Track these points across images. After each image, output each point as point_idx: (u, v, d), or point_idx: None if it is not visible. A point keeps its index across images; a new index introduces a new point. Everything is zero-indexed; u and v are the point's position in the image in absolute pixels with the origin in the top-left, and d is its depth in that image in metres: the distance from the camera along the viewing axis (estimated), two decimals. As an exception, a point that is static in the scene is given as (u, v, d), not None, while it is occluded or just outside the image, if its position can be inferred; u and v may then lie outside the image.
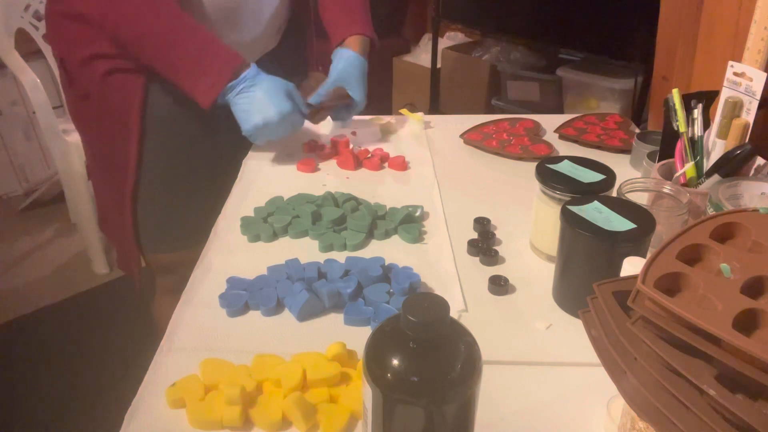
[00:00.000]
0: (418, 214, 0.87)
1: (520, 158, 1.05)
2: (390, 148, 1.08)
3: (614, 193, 0.75)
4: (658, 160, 0.85)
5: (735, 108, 0.76)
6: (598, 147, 1.09)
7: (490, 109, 2.30)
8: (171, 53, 0.90)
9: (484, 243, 0.80)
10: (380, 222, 0.85)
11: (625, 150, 1.07)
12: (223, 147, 1.07)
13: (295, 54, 1.21)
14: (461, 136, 1.13)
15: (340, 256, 0.78)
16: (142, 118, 0.98)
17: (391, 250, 0.80)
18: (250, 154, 1.08)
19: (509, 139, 1.10)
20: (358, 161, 1.03)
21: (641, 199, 0.75)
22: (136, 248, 1.08)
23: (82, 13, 0.92)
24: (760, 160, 0.79)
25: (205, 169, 1.08)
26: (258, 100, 0.93)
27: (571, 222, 0.65)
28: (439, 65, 2.39)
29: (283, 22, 1.12)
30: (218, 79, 0.91)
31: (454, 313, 0.68)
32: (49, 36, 1.02)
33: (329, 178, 1.00)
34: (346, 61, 1.06)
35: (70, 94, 1.04)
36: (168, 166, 1.04)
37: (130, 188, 1.02)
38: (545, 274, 0.74)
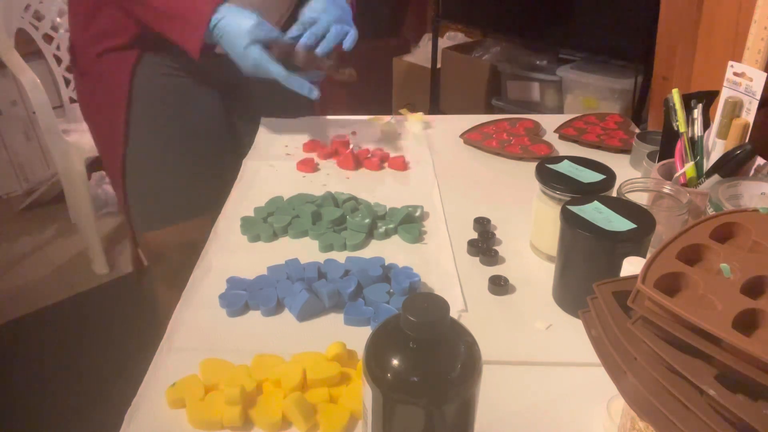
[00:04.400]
0: (418, 214, 0.87)
1: (520, 158, 1.05)
2: (390, 148, 1.08)
3: (614, 193, 0.75)
4: (658, 160, 0.85)
5: (735, 108, 0.76)
6: (598, 147, 1.09)
7: (490, 109, 2.30)
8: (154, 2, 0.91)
9: (484, 243, 0.80)
10: (380, 222, 0.85)
11: (625, 150, 1.07)
12: (211, 119, 1.08)
13: None
14: (461, 136, 1.13)
15: (340, 256, 0.78)
16: (130, 91, 1.00)
17: (391, 250, 0.80)
18: (251, 154, 1.08)
19: (509, 139, 1.10)
20: (358, 161, 1.03)
21: (641, 199, 0.75)
22: (130, 227, 1.10)
23: None
24: (760, 160, 0.78)
25: (192, 141, 1.08)
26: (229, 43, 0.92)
27: (571, 222, 0.65)
28: (439, 65, 2.39)
29: (287, 10, 1.10)
30: (198, 23, 0.90)
31: (454, 313, 0.68)
32: (70, 19, 1.06)
33: (329, 178, 1.00)
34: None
35: (75, 74, 1.08)
36: (154, 138, 1.06)
37: (120, 162, 1.04)
38: (545, 274, 0.74)
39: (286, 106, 1.18)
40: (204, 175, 0.93)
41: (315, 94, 0.95)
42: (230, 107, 1.01)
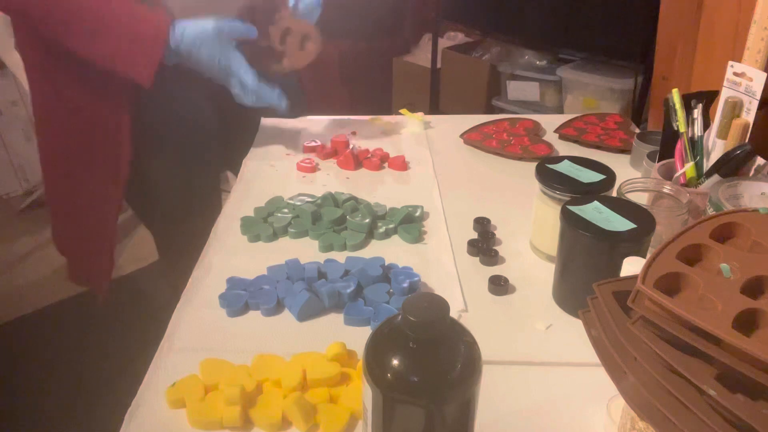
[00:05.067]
0: (418, 214, 0.87)
1: (520, 158, 1.05)
2: (390, 148, 1.08)
3: (614, 193, 0.75)
4: (658, 160, 0.85)
5: (735, 108, 0.76)
6: (598, 147, 1.09)
7: (490, 109, 2.30)
8: (99, 35, 0.86)
9: (484, 243, 0.80)
10: (380, 222, 0.85)
11: (625, 150, 1.07)
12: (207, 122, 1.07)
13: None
14: (461, 136, 1.13)
15: (340, 256, 0.78)
16: (132, 122, 0.97)
17: (391, 250, 0.80)
18: (251, 154, 1.08)
19: (509, 139, 1.10)
20: (358, 161, 1.03)
21: (641, 199, 0.75)
22: (110, 256, 1.07)
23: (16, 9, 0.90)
24: (760, 160, 0.78)
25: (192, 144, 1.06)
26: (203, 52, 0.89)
27: (571, 222, 0.65)
28: (439, 65, 2.39)
29: None
30: (155, 45, 0.86)
31: (454, 313, 0.68)
32: (28, 54, 1.02)
33: (329, 178, 1.00)
34: None
35: (57, 108, 1.01)
36: (161, 160, 1.04)
37: (121, 191, 1.00)
38: (545, 274, 0.74)
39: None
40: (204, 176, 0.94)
41: (284, 103, 0.95)
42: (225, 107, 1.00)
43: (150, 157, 1.02)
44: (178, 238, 1.10)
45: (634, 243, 0.63)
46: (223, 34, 0.89)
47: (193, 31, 0.88)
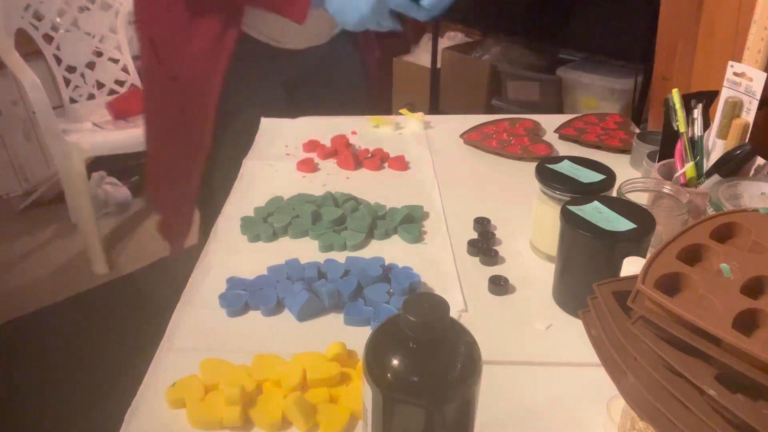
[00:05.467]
0: (418, 214, 0.87)
1: (520, 158, 1.05)
2: (390, 148, 1.08)
3: (614, 193, 0.75)
4: (658, 160, 0.85)
5: (735, 108, 0.76)
6: (598, 147, 1.09)
7: (490, 109, 2.30)
8: None
9: (484, 243, 0.80)
10: (380, 222, 0.85)
11: (625, 150, 1.07)
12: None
13: None
14: (461, 136, 1.13)
15: (340, 256, 0.78)
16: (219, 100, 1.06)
17: (391, 250, 0.80)
18: (251, 154, 1.08)
19: (509, 139, 1.10)
20: (358, 161, 1.03)
21: (641, 199, 0.75)
22: (189, 219, 1.20)
23: None
24: (760, 160, 0.78)
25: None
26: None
27: (571, 222, 0.65)
28: (439, 65, 2.39)
29: None
30: None
31: (454, 313, 0.68)
32: (141, 18, 1.09)
33: (329, 178, 1.00)
34: None
35: (157, 75, 1.11)
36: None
37: (203, 158, 1.11)
38: (545, 274, 0.74)
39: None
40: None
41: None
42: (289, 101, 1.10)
43: (222, 137, 1.12)
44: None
45: (634, 243, 0.63)
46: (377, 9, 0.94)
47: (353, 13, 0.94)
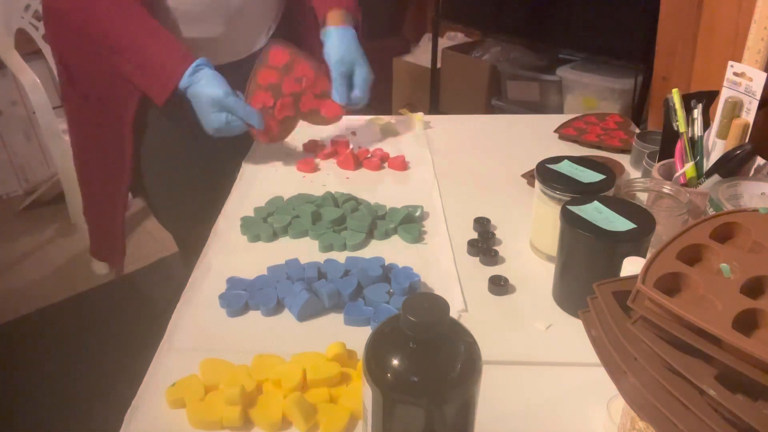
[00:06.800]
0: (418, 214, 0.87)
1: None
2: (390, 148, 1.08)
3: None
4: (658, 160, 0.85)
5: (735, 108, 0.76)
6: (598, 147, 1.09)
7: (490, 109, 2.30)
8: (130, 53, 0.92)
9: (484, 243, 0.80)
10: (380, 222, 0.84)
11: (625, 150, 1.07)
12: (220, 145, 1.08)
13: None
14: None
15: (340, 256, 0.78)
16: (135, 120, 1.00)
17: (391, 250, 0.80)
18: (250, 154, 1.08)
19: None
20: (358, 161, 1.03)
21: (641, 199, 0.75)
22: (121, 238, 1.15)
23: (59, 8, 0.95)
24: (760, 160, 0.78)
25: (203, 166, 1.09)
26: (197, 107, 0.94)
27: (571, 222, 0.65)
28: (439, 65, 2.39)
29: (273, 22, 1.11)
30: (166, 84, 0.91)
31: (454, 313, 0.68)
32: (49, 34, 1.04)
33: (329, 178, 1.00)
34: (341, 38, 1.02)
35: (69, 93, 1.05)
36: (163, 165, 1.07)
37: (126, 185, 1.06)
38: (545, 274, 0.74)
39: None
40: (216, 197, 0.96)
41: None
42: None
43: (156, 163, 1.08)
44: (193, 237, 1.12)
45: (634, 243, 0.63)
46: (222, 106, 0.92)
47: (197, 95, 0.92)
